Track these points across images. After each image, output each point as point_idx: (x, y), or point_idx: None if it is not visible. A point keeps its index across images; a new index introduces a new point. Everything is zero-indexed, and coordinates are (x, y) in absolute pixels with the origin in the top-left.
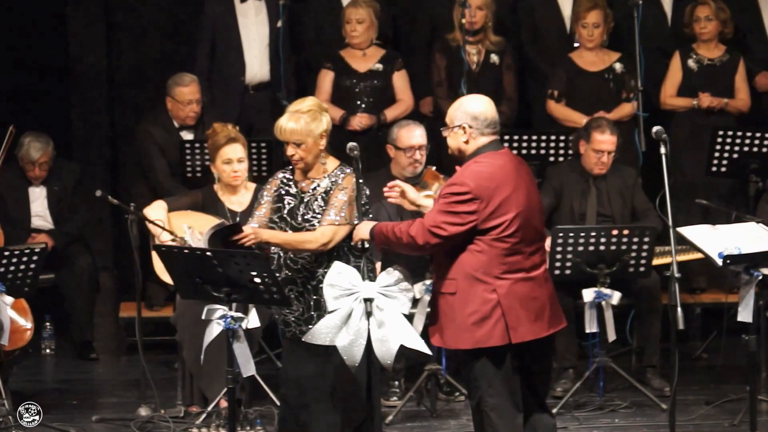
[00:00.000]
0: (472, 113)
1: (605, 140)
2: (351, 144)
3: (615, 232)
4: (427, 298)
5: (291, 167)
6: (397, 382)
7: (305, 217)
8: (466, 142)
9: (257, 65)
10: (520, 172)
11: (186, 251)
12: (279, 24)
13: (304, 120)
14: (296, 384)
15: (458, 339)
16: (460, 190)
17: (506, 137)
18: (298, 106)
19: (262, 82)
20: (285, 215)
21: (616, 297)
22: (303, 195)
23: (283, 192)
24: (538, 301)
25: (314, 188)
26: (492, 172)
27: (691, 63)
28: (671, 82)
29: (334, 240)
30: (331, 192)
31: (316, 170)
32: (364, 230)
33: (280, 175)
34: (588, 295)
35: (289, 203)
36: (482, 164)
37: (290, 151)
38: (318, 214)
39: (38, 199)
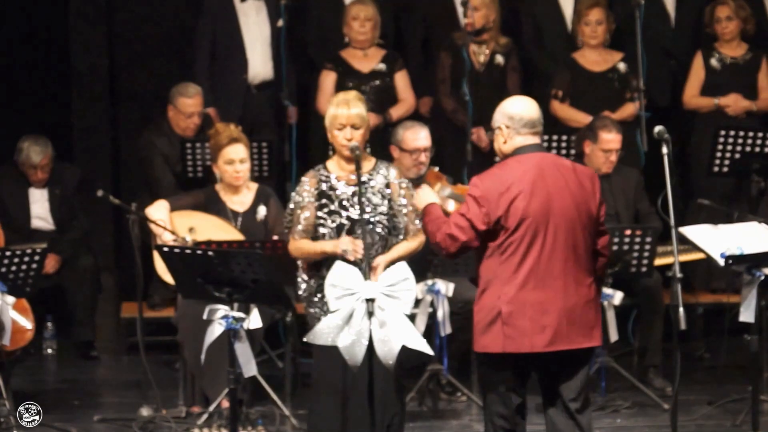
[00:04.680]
0: (508, 113)
1: (612, 139)
2: (352, 144)
3: (628, 232)
4: (429, 298)
5: (320, 165)
6: None
7: (367, 210)
8: (504, 143)
9: (260, 64)
10: (549, 178)
11: (188, 251)
12: (280, 23)
13: (363, 106)
14: (332, 386)
15: (474, 342)
16: (472, 192)
17: None
18: (348, 95)
19: (264, 81)
20: (336, 209)
21: (618, 297)
22: (356, 187)
23: (325, 188)
24: (550, 314)
25: (369, 180)
26: (508, 175)
27: (713, 62)
28: (693, 81)
29: None
30: (401, 194)
31: (366, 160)
32: (423, 200)
33: (312, 173)
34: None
35: (339, 196)
36: (504, 167)
37: (349, 134)
38: (379, 208)
39: (39, 201)
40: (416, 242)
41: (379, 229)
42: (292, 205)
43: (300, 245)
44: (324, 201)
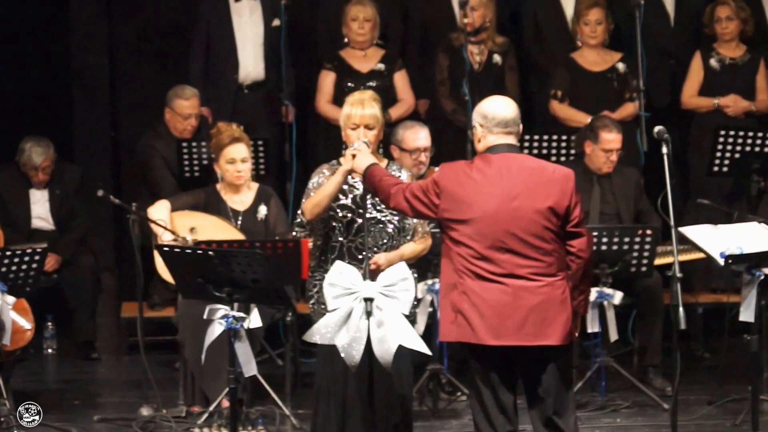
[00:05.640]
0: (483, 112)
1: (613, 138)
2: (354, 144)
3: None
4: (429, 298)
5: (334, 161)
6: None
7: (377, 207)
8: (479, 141)
9: (251, 64)
10: (509, 179)
11: (188, 251)
12: (278, 23)
13: (378, 106)
14: (336, 389)
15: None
16: (431, 182)
17: None
18: (364, 95)
19: (256, 81)
20: (349, 204)
21: (618, 297)
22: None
23: None
24: (502, 309)
25: None
26: (467, 173)
27: (713, 62)
28: (692, 82)
29: None
30: None
31: (378, 161)
32: (362, 164)
33: (328, 167)
34: (590, 294)
35: (353, 191)
36: (470, 164)
37: (362, 134)
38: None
39: (39, 201)
40: (422, 245)
41: (389, 229)
42: (308, 186)
43: (312, 196)
44: (338, 194)
